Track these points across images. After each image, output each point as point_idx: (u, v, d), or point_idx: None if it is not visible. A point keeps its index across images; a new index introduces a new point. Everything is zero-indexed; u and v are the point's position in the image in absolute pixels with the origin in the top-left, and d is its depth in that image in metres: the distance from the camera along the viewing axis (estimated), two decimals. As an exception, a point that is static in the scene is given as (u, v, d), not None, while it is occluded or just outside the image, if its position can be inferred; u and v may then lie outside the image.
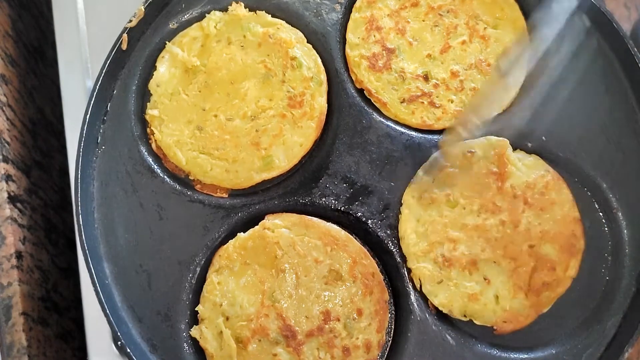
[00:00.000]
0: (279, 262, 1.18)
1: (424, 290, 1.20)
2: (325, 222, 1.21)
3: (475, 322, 1.19)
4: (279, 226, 1.19)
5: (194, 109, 1.23)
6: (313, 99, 1.23)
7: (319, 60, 1.26)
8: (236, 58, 1.24)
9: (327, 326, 1.16)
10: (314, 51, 1.26)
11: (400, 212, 1.22)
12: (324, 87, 1.25)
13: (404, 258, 1.21)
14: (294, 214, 1.21)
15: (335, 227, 1.21)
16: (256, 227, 1.20)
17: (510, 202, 1.20)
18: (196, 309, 1.18)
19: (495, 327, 1.18)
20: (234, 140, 1.22)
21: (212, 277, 1.19)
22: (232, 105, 1.23)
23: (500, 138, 1.22)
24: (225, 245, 1.20)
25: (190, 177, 1.24)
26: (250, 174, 1.22)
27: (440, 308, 1.19)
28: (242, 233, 1.20)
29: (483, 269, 1.19)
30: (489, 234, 1.20)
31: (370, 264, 1.19)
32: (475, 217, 1.21)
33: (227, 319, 1.17)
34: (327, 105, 1.25)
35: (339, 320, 1.16)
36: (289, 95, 1.23)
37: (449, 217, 1.21)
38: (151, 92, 1.25)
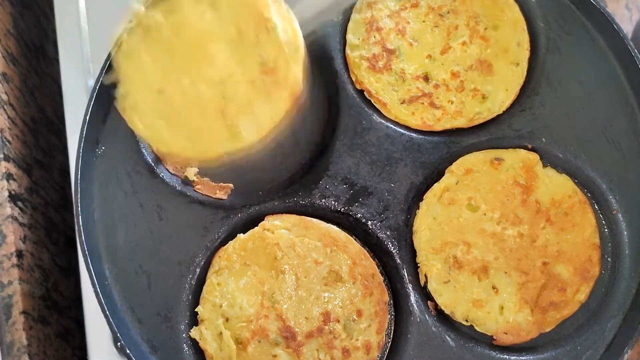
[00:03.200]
0: (278, 263, 1.18)
1: (429, 287, 1.20)
2: (325, 223, 1.21)
3: (476, 328, 1.19)
4: (278, 227, 1.19)
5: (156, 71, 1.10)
6: (287, 66, 1.08)
7: (296, 24, 1.11)
8: (205, 17, 1.10)
9: (326, 327, 1.16)
10: (292, 14, 1.12)
11: (418, 207, 1.23)
12: (300, 54, 1.10)
13: (413, 252, 1.21)
14: (294, 215, 1.21)
15: (335, 228, 1.21)
16: (256, 228, 1.20)
17: (532, 216, 1.20)
18: (196, 310, 1.18)
19: (494, 337, 1.18)
20: (197, 107, 1.09)
21: (211, 278, 1.19)
22: (197, 68, 1.09)
23: (531, 152, 1.23)
24: (225, 246, 1.20)
25: (186, 176, 1.23)
26: (215, 144, 1.08)
27: (442, 308, 1.19)
28: (241, 234, 1.20)
29: (493, 277, 1.19)
30: (504, 244, 1.19)
31: (370, 265, 1.19)
32: (495, 225, 1.20)
33: (227, 320, 1.17)
34: (302, 76, 1.10)
35: (338, 321, 1.16)
36: (260, 60, 1.08)
37: (467, 220, 1.21)
38: (111, 54, 1.12)
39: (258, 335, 1.15)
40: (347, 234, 1.21)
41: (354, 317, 1.17)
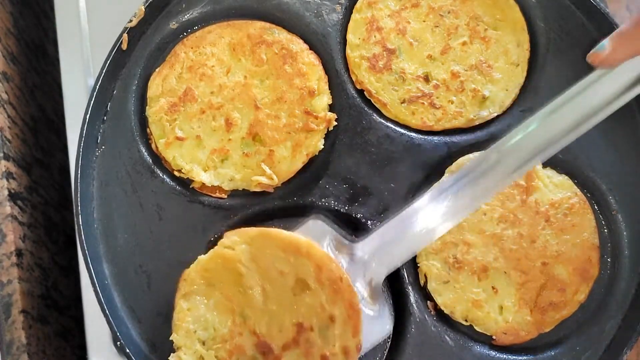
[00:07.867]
0: (244, 279, 1.13)
1: (428, 287, 1.20)
2: (285, 230, 1.15)
3: (475, 328, 1.19)
4: (238, 243, 1.14)
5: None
6: None
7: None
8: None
9: (301, 337, 1.12)
10: None
11: None
12: None
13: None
14: (253, 228, 1.16)
15: (295, 234, 1.15)
16: (216, 247, 1.15)
17: (532, 216, 1.20)
18: (170, 338, 1.14)
19: (494, 337, 1.18)
20: None
21: (180, 303, 1.14)
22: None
23: None
24: (187, 270, 1.15)
25: (187, 176, 1.23)
26: None
27: (442, 308, 1.19)
28: (202, 255, 1.15)
29: (493, 277, 1.19)
30: (504, 244, 1.19)
31: (336, 268, 1.13)
32: (494, 225, 1.20)
33: (203, 343, 1.14)
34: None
35: (312, 329, 1.12)
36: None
37: (467, 221, 1.20)
38: None
39: (236, 354, 1.12)
40: (308, 240, 1.14)
41: (327, 323, 1.14)
